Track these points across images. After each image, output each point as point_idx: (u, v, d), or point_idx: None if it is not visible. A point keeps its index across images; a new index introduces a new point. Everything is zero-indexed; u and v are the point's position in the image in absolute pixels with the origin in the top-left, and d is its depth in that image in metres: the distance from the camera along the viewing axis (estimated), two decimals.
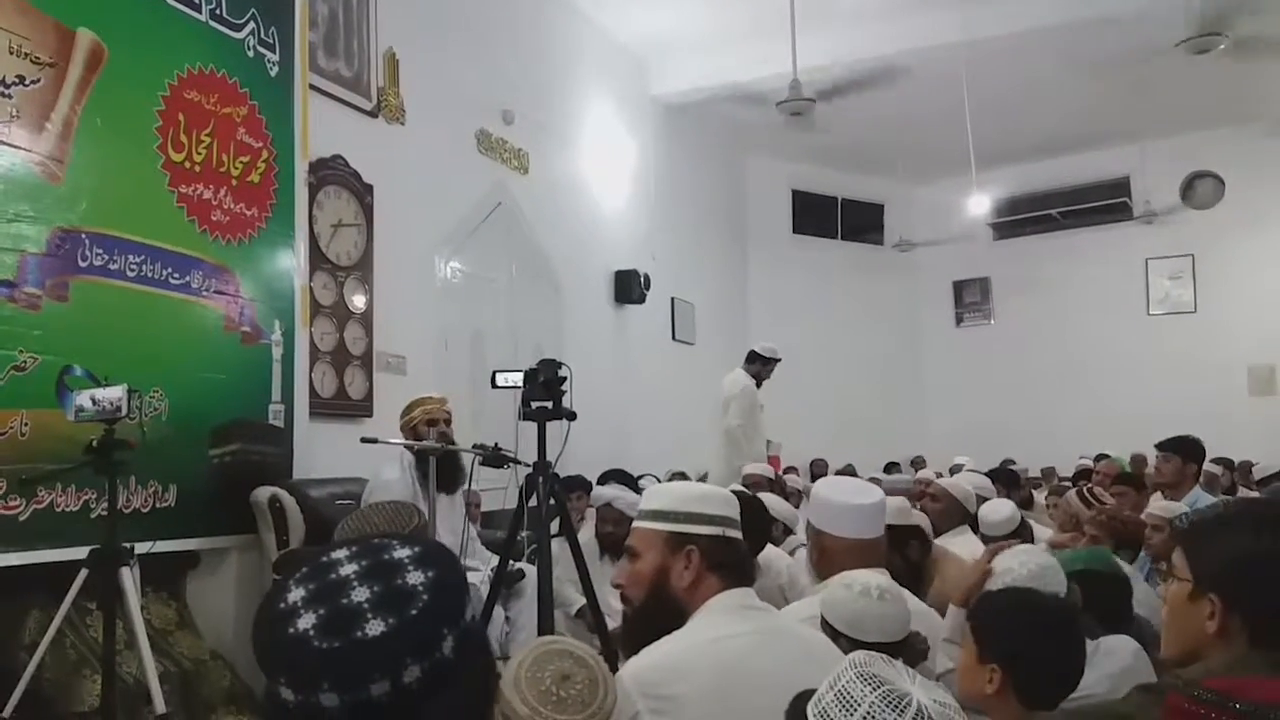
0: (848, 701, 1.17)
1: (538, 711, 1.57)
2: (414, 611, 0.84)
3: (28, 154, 3.38)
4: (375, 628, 0.83)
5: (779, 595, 3.23)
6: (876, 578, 2.19)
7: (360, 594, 0.85)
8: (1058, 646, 1.87)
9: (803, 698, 1.27)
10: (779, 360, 7.35)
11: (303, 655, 0.82)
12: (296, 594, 0.87)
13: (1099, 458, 8.02)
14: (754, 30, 8.08)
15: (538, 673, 1.61)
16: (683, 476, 7.01)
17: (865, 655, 1.24)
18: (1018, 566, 2.34)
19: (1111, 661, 2.29)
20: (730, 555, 1.80)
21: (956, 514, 4.02)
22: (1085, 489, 3.83)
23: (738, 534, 1.83)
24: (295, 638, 0.83)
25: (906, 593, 2.34)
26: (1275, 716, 1.20)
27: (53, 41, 3.49)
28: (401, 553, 0.90)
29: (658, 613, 1.78)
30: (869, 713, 1.14)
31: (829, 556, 2.44)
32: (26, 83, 3.38)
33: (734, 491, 2.30)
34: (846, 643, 2.01)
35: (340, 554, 0.91)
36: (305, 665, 0.82)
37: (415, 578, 0.87)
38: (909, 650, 2.10)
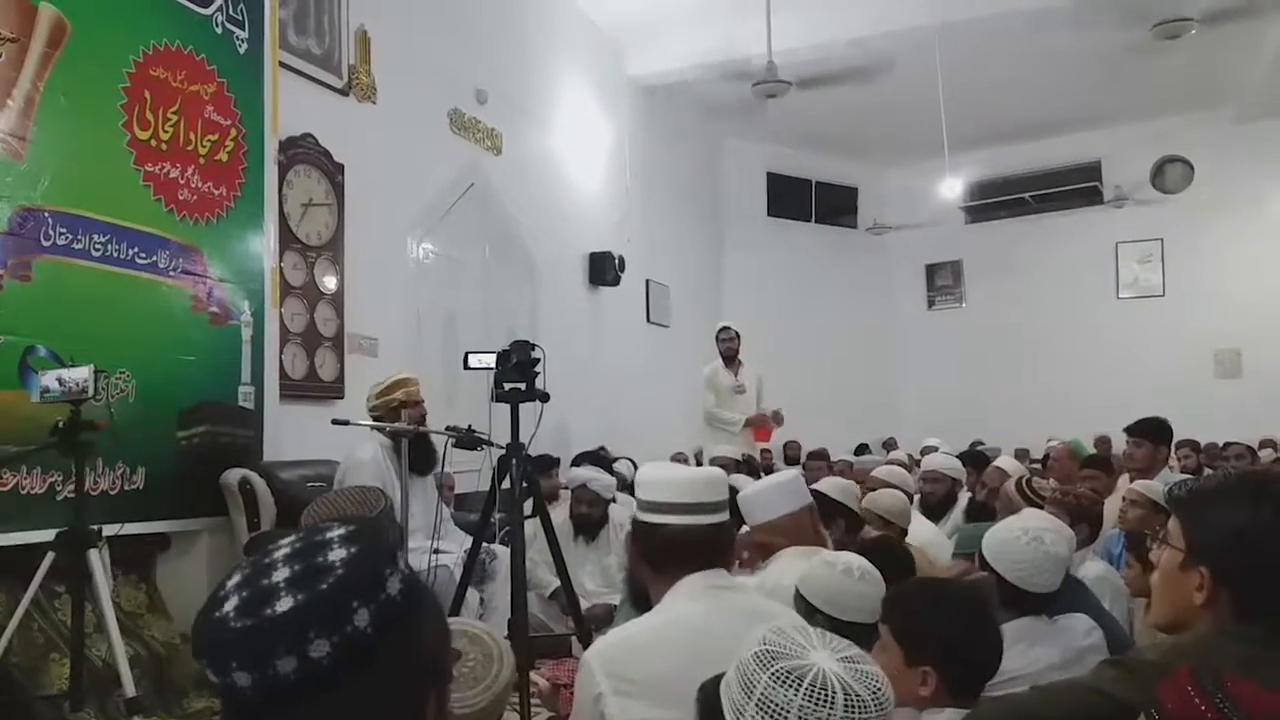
0: (746, 683, 1.16)
1: None
2: (324, 586, 0.84)
3: None
4: (284, 604, 0.82)
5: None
6: (857, 558, 2.21)
7: (280, 574, 0.85)
8: (981, 633, 1.82)
9: (715, 680, 1.26)
10: (722, 328, 7.95)
11: (219, 636, 0.83)
12: (234, 579, 0.87)
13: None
14: (729, 12, 8.06)
15: None
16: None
17: (775, 630, 1.21)
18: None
19: (1070, 637, 2.32)
20: (670, 543, 1.79)
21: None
22: (1024, 481, 3.74)
23: (679, 519, 1.79)
24: (216, 620, 0.84)
25: None
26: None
27: (14, 17, 3.41)
28: (334, 532, 0.90)
29: (644, 603, 1.87)
30: (764, 694, 1.13)
31: (764, 546, 2.53)
32: None
33: None
34: (824, 619, 2.02)
35: (289, 537, 0.91)
36: (220, 646, 0.82)
37: (336, 554, 0.87)
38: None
